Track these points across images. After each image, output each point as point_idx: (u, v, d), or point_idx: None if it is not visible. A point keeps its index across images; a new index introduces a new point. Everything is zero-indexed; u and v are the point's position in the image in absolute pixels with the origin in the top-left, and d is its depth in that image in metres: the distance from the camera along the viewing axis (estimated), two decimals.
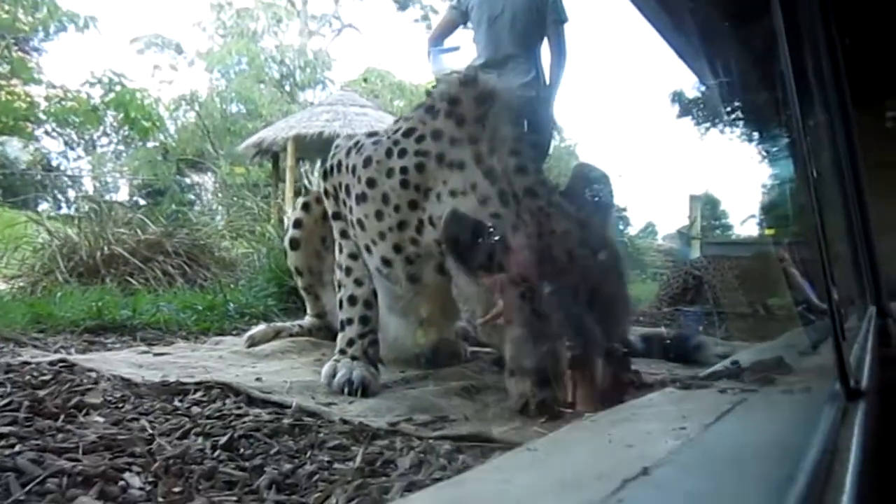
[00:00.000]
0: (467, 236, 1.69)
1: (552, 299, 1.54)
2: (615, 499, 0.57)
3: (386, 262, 2.12)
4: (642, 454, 0.73)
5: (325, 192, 2.33)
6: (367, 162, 2.08)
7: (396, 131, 2.09)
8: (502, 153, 1.86)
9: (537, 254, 1.60)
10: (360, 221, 2.13)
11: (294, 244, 2.79)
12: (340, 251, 2.28)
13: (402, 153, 2.01)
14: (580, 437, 0.96)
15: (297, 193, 11.39)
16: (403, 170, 2.00)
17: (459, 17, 4.92)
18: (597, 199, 1.74)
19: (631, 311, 1.80)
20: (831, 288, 1.36)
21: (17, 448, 1.33)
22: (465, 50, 4.98)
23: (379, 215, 2.07)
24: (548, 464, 0.78)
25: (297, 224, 2.78)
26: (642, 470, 0.64)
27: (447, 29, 5.05)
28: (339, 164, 2.22)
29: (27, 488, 1.14)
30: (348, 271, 2.24)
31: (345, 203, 2.22)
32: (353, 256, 2.24)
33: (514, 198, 1.78)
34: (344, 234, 2.28)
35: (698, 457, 0.76)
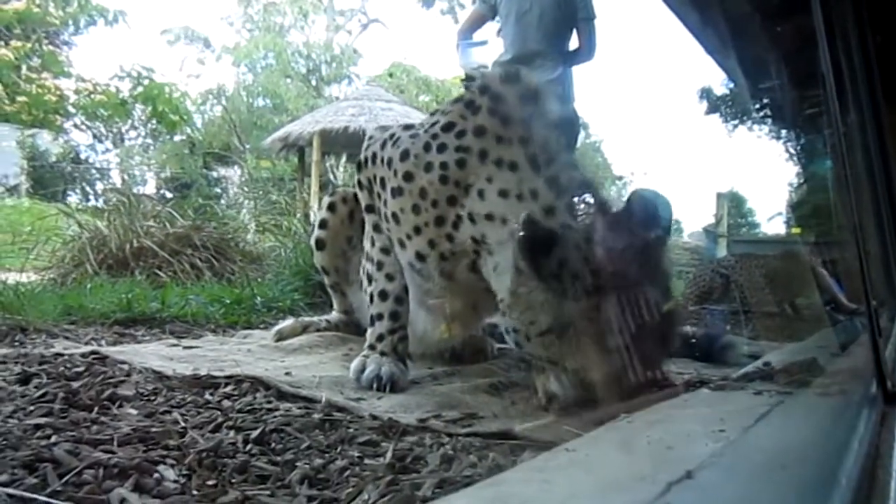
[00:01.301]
0: (543, 242, 1.63)
1: (617, 311, 1.53)
2: (662, 502, 0.56)
3: (420, 257, 2.08)
4: (683, 456, 0.73)
5: (359, 183, 2.28)
6: (405, 155, 2.03)
7: (434, 124, 2.03)
8: (559, 160, 1.82)
9: (613, 266, 1.58)
10: (394, 215, 2.09)
11: (320, 244, 2.78)
12: (372, 245, 2.25)
13: (442, 148, 1.96)
14: (618, 437, 0.95)
15: (322, 188, 11.47)
16: (443, 165, 1.94)
17: (488, 12, 4.92)
18: (658, 223, 1.71)
19: (678, 332, 1.78)
20: (869, 289, 1.34)
21: (53, 439, 1.35)
22: (492, 44, 4.99)
23: (415, 210, 2.02)
24: (587, 464, 0.78)
25: (323, 225, 2.76)
26: (686, 473, 0.64)
27: (476, 23, 5.05)
28: (374, 155, 2.17)
29: (64, 479, 1.15)
30: (380, 265, 2.20)
31: (379, 196, 2.17)
32: (386, 251, 2.20)
33: (582, 209, 1.74)
34: (377, 228, 2.24)
35: (741, 460, 0.75)
